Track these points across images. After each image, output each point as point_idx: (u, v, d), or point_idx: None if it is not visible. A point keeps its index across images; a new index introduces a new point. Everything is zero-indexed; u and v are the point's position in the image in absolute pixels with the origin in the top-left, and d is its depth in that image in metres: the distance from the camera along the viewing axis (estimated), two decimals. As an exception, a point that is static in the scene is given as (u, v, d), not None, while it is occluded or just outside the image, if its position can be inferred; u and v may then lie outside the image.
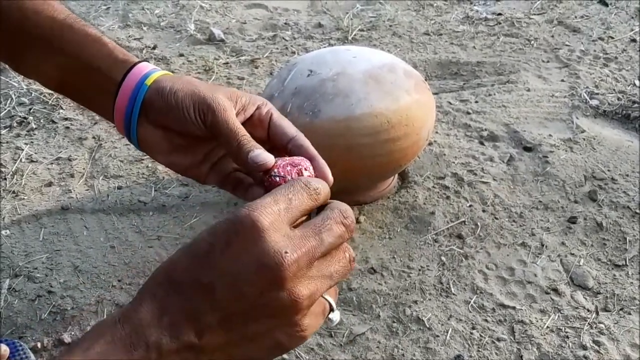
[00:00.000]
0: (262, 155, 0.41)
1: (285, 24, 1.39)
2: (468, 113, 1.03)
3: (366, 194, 0.84)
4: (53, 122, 1.05)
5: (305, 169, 0.41)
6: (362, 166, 0.74)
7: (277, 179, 0.39)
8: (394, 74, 0.75)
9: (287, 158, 0.41)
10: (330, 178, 0.45)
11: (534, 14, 1.39)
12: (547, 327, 0.67)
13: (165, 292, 0.33)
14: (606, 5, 1.41)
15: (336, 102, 0.70)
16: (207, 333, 0.33)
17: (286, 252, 0.33)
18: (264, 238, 0.33)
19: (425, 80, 0.97)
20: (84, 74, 0.48)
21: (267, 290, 0.33)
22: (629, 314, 0.69)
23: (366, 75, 0.73)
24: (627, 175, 0.88)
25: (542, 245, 0.78)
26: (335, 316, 0.38)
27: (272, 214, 0.34)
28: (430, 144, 0.95)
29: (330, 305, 0.37)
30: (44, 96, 1.11)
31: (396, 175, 0.89)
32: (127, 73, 0.47)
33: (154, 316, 0.32)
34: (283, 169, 0.40)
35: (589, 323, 0.68)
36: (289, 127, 0.46)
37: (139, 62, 0.47)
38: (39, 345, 0.66)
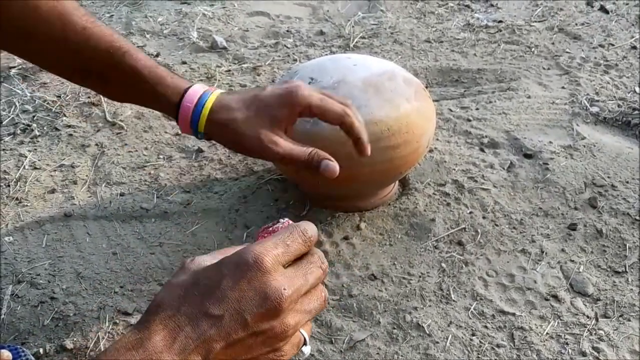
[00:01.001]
0: (330, 167, 0.59)
1: (287, 31, 1.40)
2: (469, 120, 1.04)
3: (367, 200, 0.85)
4: (56, 129, 1.06)
5: None
6: (363, 173, 0.75)
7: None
8: (394, 81, 0.75)
9: (270, 225, 0.47)
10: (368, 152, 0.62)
11: (535, 21, 1.40)
12: (547, 333, 0.68)
13: (177, 323, 0.38)
14: (607, 12, 1.42)
15: None
16: (212, 358, 0.38)
17: (285, 289, 0.40)
18: (266, 278, 0.39)
19: (426, 87, 0.98)
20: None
21: (266, 320, 0.39)
22: (629, 320, 0.69)
23: (366, 83, 0.74)
24: (627, 182, 0.89)
25: (542, 252, 0.78)
26: (307, 350, 0.44)
27: (273, 258, 0.40)
28: (430, 150, 0.95)
29: (305, 339, 0.43)
30: (48, 104, 1.12)
31: (397, 182, 0.89)
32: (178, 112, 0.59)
33: (166, 343, 0.37)
34: (267, 234, 0.46)
35: (588, 329, 0.68)
36: (331, 110, 0.60)
37: (182, 99, 0.58)
38: (41, 351, 0.67)
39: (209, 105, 0.56)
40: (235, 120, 0.56)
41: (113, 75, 0.59)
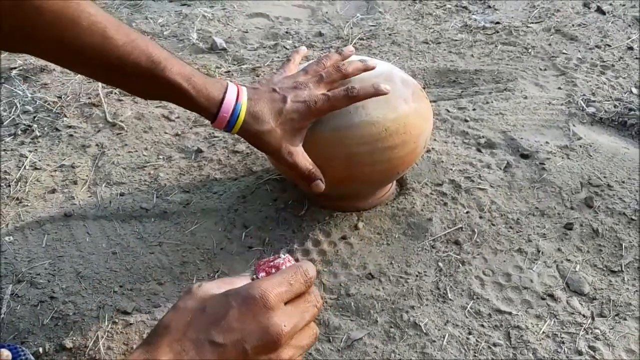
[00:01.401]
0: (319, 185, 0.72)
1: (287, 32, 1.41)
2: (466, 120, 1.04)
3: (365, 200, 0.85)
4: (57, 130, 1.06)
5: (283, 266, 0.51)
6: (361, 173, 0.75)
7: (263, 274, 0.51)
8: (392, 82, 0.76)
9: (271, 259, 0.52)
10: (383, 89, 0.71)
11: (532, 23, 1.40)
12: (543, 332, 0.68)
13: (182, 347, 0.42)
14: (603, 13, 1.43)
15: (335, 112, 0.72)
16: None
17: (285, 326, 0.44)
18: (270, 314, 0.44)
19: (424, 88, 0.99)
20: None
21: (264, 353, 0.44)
22: (625, 319, 0.70)
23: (364, 84, 0.75)
24: (623, 182, 0.89)
25: (539, 251, 0.79)
26: None
27: (277, 295, 0.45)
28: (428, 151, 0.96)
29: None
30: (48, 104, 1.13)
31: (394, 182, 0.90)
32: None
33: None
34: (268, 268, 0.51)
35: (584, 328, 0.69)
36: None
37: (219, 110, 0.66)
38: (40, 350, 0.67)
39: (242, 116, 0.66)
40: (263, 132, 0.67)
41: (152, 85, 0.64)
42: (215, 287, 0.47)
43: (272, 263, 0.51)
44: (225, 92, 0.66)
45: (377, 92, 0.71)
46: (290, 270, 0.48)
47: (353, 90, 0.69)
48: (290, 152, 0.69)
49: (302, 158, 0.70)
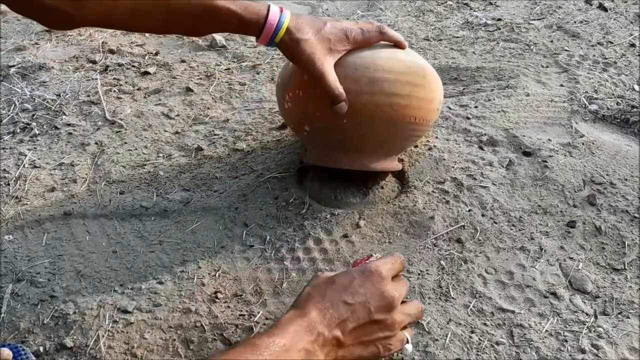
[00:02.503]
0: (343, 107, 0.76)
1: (286, 30, 1.40)
2: (468, 118, 1.04)
3: (375, 160, 0.84)
4: (56, 128, 1.06)
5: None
6: (382, 104, 0.77)
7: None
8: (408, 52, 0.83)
9: (366, 258, 0.70)
10: (405, 44, 0.81)
11: (534, 20, 1.40)
12: (546, 330, 0.68)
13: (324, 306, 0.57)
14: (605, 10, 1.42)
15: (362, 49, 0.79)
16: (346, 333, 0.57)
17: (396, 291, 0.60)
18: (384, 282, 0.60)
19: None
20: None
21: (382, 312, 0.59)
22: (628, 317, 0.69)
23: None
24: (626, 180, 0.89)
25: (541, 250, 0.78)
26: (409, 347, 0.62)
27: (387, 270, 0.61)
28: (429, 148, 0.96)
29: (408, 339, 0.61)
30: (47, 102, 1.12)
31: (396, 180, 0.89)
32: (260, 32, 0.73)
33: (318, 318, 0.56)
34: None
35: (587, 327, 0.68)
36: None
37: (266, 21, 0.72)
38: (41, 349, 0.67)
39: (285, 25, 0.72)
40: (301, 40, 0.72)
41: (204, 18, 0.69)
42: (331, 273, 0.61)
43: (367, 260, 0.65)
44: (269, 7, 0.73)
45: (401, 41, 0.80)
46: (390, 257, 0.64)
47: (384, 28, 0.79)
48: (322, 64, 0.73)
49: (332, 74, 0.74)
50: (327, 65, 0.74)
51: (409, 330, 0.62)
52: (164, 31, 0.75)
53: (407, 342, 0.61)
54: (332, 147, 0.82)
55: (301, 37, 0.72)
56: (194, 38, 1.36)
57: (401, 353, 0.63)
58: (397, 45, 0.81)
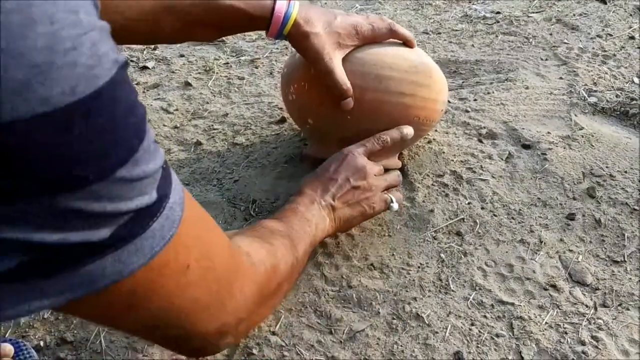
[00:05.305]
0: (349, 103, 0.77)
1: (285, 24, 1.39)
2: (467, 111, 1.04)
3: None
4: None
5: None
6: (388, 102, 0.77)
7: None
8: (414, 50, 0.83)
9: None
10: (414, 43, 0.82)
11: (533, 12, 1.39)
12: (546, 323, 0.68)
13: (316, 186, 0.71)
14: (604, 3, 1.42)
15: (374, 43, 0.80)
16: (336, 199, 0.70)
17: (367, 164, 0.74)
18: (357, 158, 0.73)
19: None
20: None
21: (359, 179, 0.72)
22: (628, 309, 0.70)
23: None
24: (626, 172, 0.89)
25: (541, 242, 0.78)
26: (395, 206, 0.75)
27: (359, 152, 0.74)
28: (429, 142, 0.95)
29: (392, 199, 0.75)
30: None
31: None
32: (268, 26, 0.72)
33: (314, 192, 0.70)
34: None
35: (587, 319, 0.68)
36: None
37: (273, 13, 0.71)
38: (42, 344, 0.67)
39: (293, 16, 0.71)
40: (310, 33, 0.72)
41: (209, 20, 0.69)
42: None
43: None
44: (275, 1, 0.72)
45: (411, 40, 0.81)
46: (367, 140, 0.77)
47: (395, 25, 0.79)
48: (331, 58, 0.73)
49: (340, 69, 0.74)
50: (335, 60, 0.74)
51: (396, 194, 0.76)
52: (175, 38, 0.75)
53: (392, 201, 0.74)
54: (333, 142, 0.82)
55: (310, 31, 0.71)
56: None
57: (389, 210, 0.75)
58: (407, 43, 0.80)
